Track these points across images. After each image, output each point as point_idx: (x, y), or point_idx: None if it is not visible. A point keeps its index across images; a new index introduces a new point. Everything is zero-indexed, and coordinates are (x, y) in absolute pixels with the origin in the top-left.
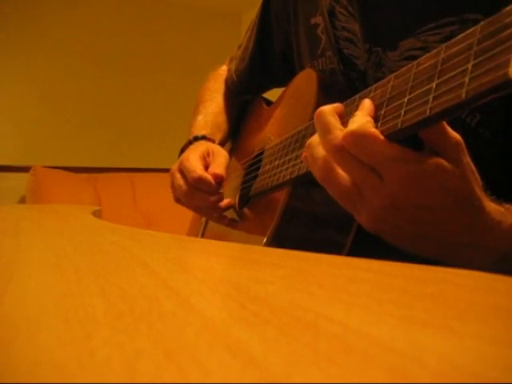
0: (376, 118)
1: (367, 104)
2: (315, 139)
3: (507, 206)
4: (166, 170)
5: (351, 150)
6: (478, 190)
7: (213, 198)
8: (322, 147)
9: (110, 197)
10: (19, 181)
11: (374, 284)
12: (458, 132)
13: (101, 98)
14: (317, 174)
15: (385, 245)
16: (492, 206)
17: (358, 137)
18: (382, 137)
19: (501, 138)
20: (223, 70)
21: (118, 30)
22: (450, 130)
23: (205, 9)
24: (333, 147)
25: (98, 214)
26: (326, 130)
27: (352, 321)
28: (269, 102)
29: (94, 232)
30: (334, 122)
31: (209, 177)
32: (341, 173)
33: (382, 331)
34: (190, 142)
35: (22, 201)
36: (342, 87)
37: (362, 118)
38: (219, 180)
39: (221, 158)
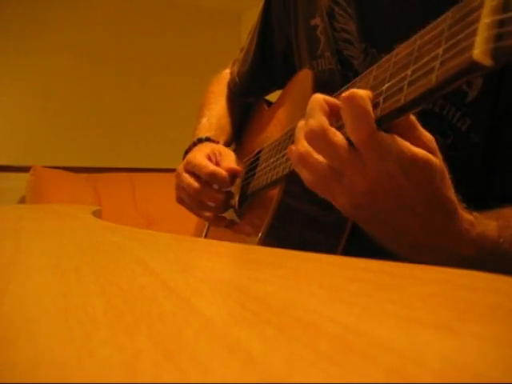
0: None
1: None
2: (301, 124)
3: (475, 214)
4: (166, 170)
5: (359, 143)
6: (453, 195)
7: (222, 196)
8: (307, 130)
9: (110, 197)
10: (19, 181)
11: (374, 284)
12: (449, 136)
13: (101, 98)
14: (293, 158)
15: (378, 243)
16: (463, 214)
17: (372, 131)
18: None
19: (489, 143)
20: (226, 73)
21: (117, 29)
22: (422, 129)
23: (205, 9)
24: (321, 129)
25: (98, 214)
26: (313, 112)
27: (352, 321)
28: (270, 104)
29: (94, 232)
30: (323, 105)
31: (222, 171)
32: (316, 156)
33: (382, 331)
34: (194, 144)
35: (22, 201)
36: (339, 87)
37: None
38: (234, 174)
39: (230, 157)
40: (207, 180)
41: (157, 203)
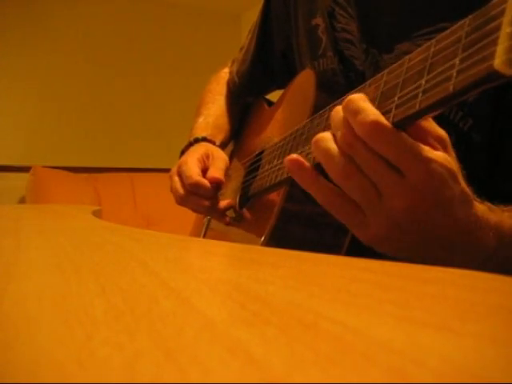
0: None
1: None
2: (326, 135)
3: (488, 204)
4: (166, 170)
5: (371, 141)
6: (467, 187)
7: (207, 203)
8: (338, 143)
9: (110, 197)
10: (19, 181)
11: (374, 284)
12: (451, 136)
13: (101, 98)
14: (334, 170)
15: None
16: (478, 205)
17: (378, 126)
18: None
19: (491, 143)
20: (225, 73)
21: (118, 30)
22: (436, 125)
23: (205, 9)
24: (351, 139)
25: (98, 214)
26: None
27: (352, 321)
28: (270, 103)
29: (94, 232)
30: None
31: (205, 182)
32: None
33: (382, 331)
34: (190, 144)
35: (22, 201)
36: (341, 87)
37: (373, 108)
38: (217, 184)
39: (220, 162)
40: (190, 190)
41: (157, 203)
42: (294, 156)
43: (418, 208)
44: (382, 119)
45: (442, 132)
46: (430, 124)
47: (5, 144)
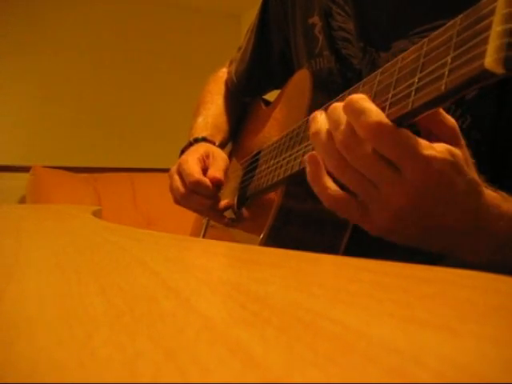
0: None
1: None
2: (323, 129)
3: (502, 193)
4: (166, 170)
5: (374, 142)
6: (476, 175)
7: (209, 202)
8: (335, 142)
9: (110, 197)
10: (19, 181)
11: (374, 284)
12: None
13: (101, 98)
14: (331, 165)
15: (380, 244)
16: (488, 192)
17: (381, 127)
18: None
19: (492, 140)
20: (223, 73)
21: (117, 30)
22: (445, 114)
23: (205, 9)
24: (347, 141)
25: (98, 214)
26: (338, 124)
27: (352, 321)
28: (268, 103)
29: (94, 232)
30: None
31: (207, 180)
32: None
33: (382, 331)
34: (190, 144)
35: (22, 201)
36: (337, 86)
37: (375, 108)
38: (217, 184)
39: (220, 162)
40: (191, 188)
41: (157, 203)
42: (314, 152)
43: (417, 205)
44: (385, 119)
45: (451, 121)
46: (440, 113)
47: (5, 144)
